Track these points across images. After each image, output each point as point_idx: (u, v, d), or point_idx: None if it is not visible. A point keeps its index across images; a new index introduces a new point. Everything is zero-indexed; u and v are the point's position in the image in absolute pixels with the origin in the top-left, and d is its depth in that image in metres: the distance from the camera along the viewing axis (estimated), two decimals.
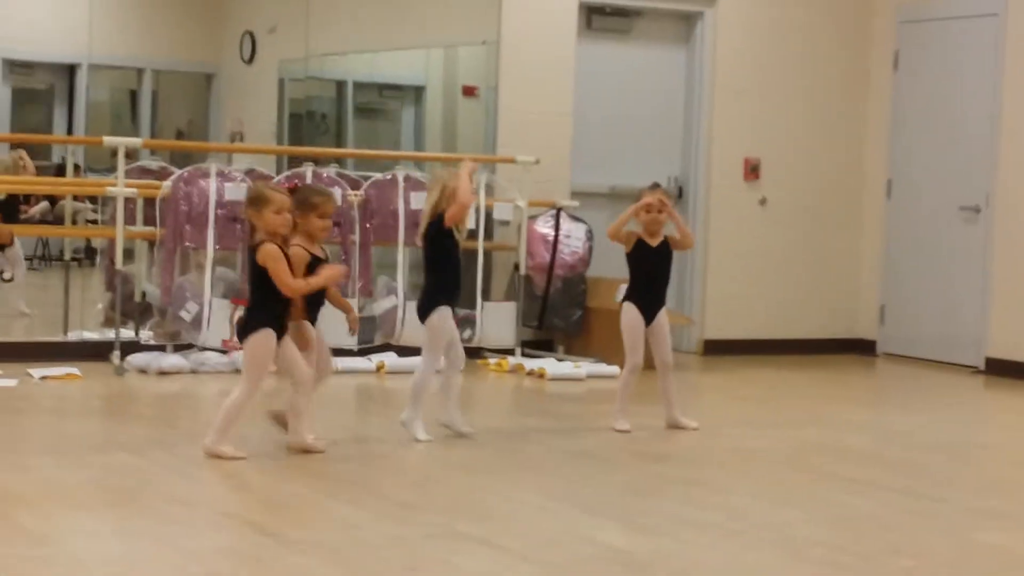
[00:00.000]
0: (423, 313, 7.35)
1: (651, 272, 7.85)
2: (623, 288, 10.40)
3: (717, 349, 11.54)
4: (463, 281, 7.69)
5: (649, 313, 7.82)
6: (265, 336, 6.58)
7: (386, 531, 5.54)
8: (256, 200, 6.67)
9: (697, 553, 5.41)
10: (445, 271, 7.40)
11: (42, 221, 12.13)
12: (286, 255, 6.63)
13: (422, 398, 7.35)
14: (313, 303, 6.91)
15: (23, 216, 11.81)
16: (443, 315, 7.35)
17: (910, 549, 5.62)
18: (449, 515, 5.85)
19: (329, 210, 6.94)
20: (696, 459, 7.33)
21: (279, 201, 6.65)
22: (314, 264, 6.77)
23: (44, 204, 12.54)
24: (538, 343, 10.67)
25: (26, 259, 11.92)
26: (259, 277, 6.61)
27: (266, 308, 6.63)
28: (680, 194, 11.64)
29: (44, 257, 12.94)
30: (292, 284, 6.60)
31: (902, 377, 11.18)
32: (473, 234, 10.19)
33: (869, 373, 11.36)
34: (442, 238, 7.34)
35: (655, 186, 8.10)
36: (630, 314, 7.83)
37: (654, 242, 7.86)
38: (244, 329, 6.65)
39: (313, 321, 6.98)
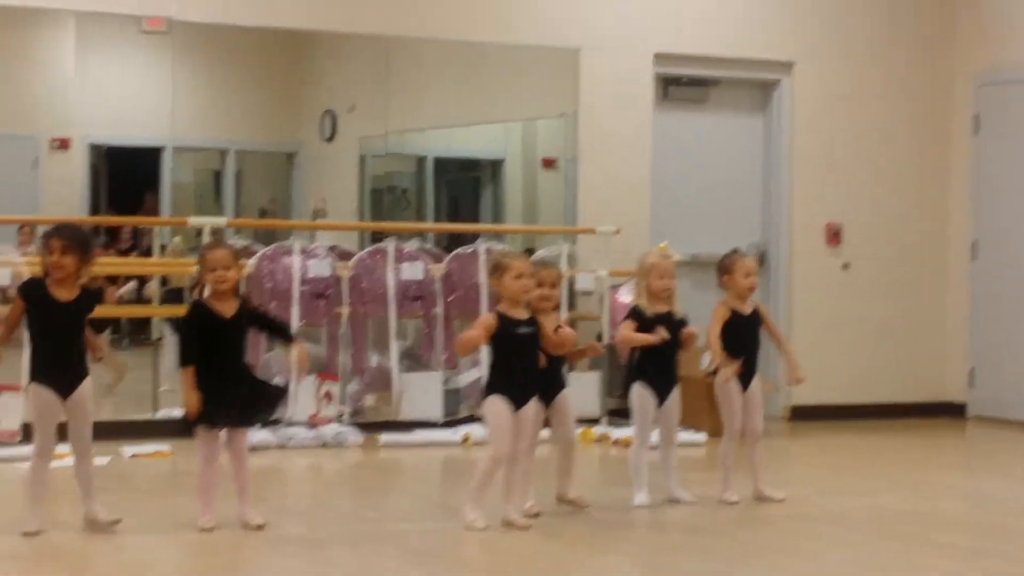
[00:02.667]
0: (626, 389, 7.67)
1: (744, 340, 7.78)
2: (708, 356, 10.39)
3: (804, 415, 11.45)
4: None
5: (744, 381, 7.76)
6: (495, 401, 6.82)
7: None
8: (496, 268, 6.93)
9: None
10: (645, 351, 7.56)
11: (130, 301, 12.28)
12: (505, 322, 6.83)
13: (641, 472, 7.55)
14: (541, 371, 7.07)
15: (116, 296, 11.95)
16: (640, 391, 7.55)
17: None
18: None
19: (522, 269, 7.05)
20: (785, 527, 7.26)
21: (518, 267, 6.85)
22: (512, 329, 6.87)
23: (131, 284, 12.71)
24: (623, 412, 10.62)
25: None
26: (495, 347, 6.90)
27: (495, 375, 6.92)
28: (762, 261, 11.60)
29: (132, 337, 13.07)
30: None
31: (994, 440, 11.03)
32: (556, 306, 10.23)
33: (960, 436, 11.22)
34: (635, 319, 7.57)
35: (734, 251, 8.06)
36: (726, 384, 7.77)
37: (747, 310, 7.80)
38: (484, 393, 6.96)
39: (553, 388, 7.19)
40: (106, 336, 11.68)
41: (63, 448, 6.58)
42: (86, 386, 6.56)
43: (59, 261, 6.45)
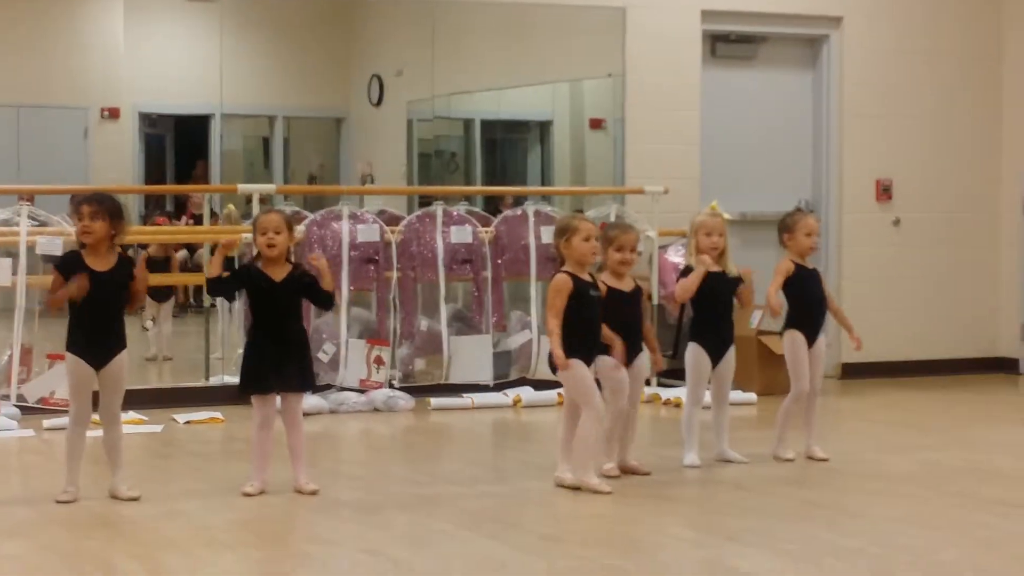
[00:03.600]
0: (676, 349, 7.61)
1: (809, 294, 7.76)
2: (757, 314, 10.39)
3: (855, 372, 11.41)
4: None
5: (810, 337, 7.75)
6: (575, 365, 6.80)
7: (530, 565, 5.56)
8: (564, 230, 6.89)
9: None
10: (699, 311, 7.58)
11: (182, 269, 12.38)
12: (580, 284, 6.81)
13: (693, 432, 7.56)
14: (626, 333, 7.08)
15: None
16: (695, 350, 7.53)
17: None
18: (593, 548, 5.86)
19: (626, 242, 7.11)
20: (838, 484, 7.26)
21: (586, 229, 6.84)
22: (587, 290, 6.86)
23: (183, 252, 12.81)
24: (673, 372, 10.63)
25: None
26: (567, 308, 6.81)
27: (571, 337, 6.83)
28: None
29: (184, 304, 13.18)
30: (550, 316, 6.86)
31: None
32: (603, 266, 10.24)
33: (1013, 392, 11.16)
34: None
35: (797, 210, 8.05)
36: (795, 341, 7.74)
37: (810, 266, 7.79)
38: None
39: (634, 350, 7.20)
40: (169, 305, 11.81)
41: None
42: (121, 358, 6.60)
43: (88, 225, 6.50)
